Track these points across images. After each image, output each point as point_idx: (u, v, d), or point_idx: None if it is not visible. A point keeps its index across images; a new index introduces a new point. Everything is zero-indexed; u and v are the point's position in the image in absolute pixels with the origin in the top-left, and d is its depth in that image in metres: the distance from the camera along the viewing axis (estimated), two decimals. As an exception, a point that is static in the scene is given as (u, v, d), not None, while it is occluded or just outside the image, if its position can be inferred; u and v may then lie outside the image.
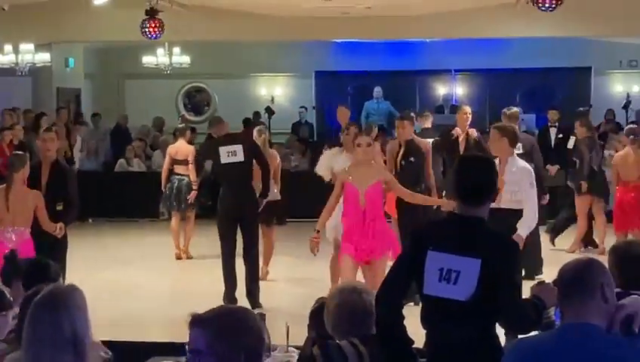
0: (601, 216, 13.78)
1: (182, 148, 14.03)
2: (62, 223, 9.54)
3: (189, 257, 14.11)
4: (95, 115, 21.54)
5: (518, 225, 8.46)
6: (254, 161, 10.97)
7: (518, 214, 8.58)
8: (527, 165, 9.20)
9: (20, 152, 10.61)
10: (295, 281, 12.18)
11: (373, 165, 9.37)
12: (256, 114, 21.99)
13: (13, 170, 9.20)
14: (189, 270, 13.39)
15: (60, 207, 9.63)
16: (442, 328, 4.71)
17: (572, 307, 3.83)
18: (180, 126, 14.96)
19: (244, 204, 10.73)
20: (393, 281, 4.84)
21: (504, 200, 8.49)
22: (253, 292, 10.65)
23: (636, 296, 4.10)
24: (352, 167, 9.04)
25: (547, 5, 13.49)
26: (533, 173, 9.09)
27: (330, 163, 10.73)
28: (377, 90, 22.98)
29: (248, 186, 10.89)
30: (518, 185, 8.80)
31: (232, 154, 10.77)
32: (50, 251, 8.99)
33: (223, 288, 10.73)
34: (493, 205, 4.94)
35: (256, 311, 4.95)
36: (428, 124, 13.51)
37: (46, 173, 9.73)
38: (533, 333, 4.29)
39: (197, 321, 3.31)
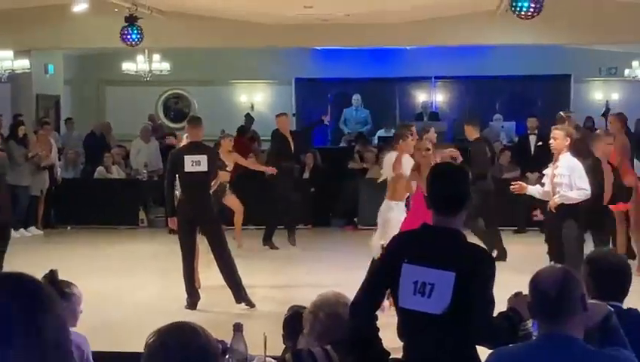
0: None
1: None
2: None
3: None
4: (68, 119, 21.44)
5: None
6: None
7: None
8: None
9: None
10: (274, 289, 12.14)
11: None
12: (247, 116, 21.85)
13: None
14: (169, 278, 13.31)
15: None
16: (418, 341, 4.66)
17: (556, 321, 3.80)
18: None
19: None
20: (367, 293, 4.78)
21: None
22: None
23: (601, 303, 4.13)
24: None
25: (526, 13, 13.49)
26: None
27: None
28: (356, 98, 23.09)
29: None
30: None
31: None
32: None
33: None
34: None
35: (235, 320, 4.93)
36: None
37: None
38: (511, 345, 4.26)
39: None
